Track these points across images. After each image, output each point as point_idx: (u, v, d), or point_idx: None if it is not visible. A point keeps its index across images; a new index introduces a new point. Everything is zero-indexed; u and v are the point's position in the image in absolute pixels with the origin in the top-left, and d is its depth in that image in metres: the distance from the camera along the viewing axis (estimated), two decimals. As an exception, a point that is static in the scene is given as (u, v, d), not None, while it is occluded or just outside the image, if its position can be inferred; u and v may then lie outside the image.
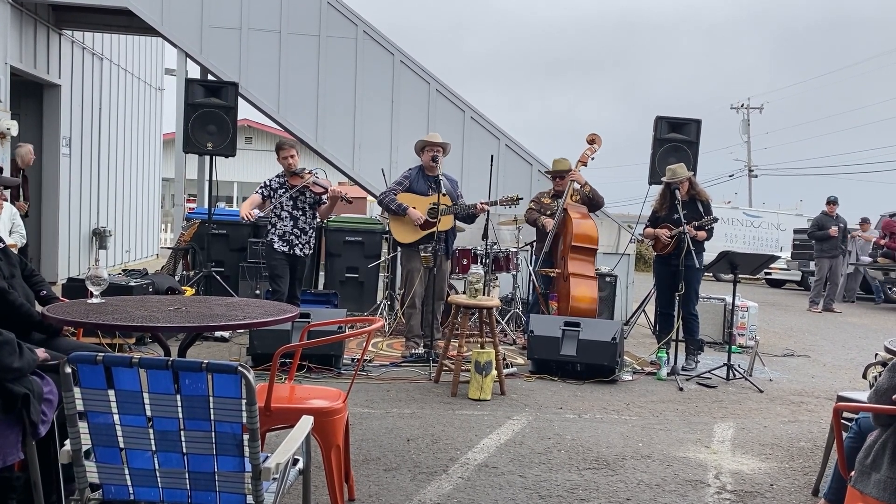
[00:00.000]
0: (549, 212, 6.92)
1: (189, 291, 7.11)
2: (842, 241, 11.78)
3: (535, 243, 7.25)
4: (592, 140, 6.84)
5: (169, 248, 10.52)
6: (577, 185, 6.78)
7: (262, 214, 6.33)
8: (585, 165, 6.81)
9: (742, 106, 31.42)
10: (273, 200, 6.10)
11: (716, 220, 6.34)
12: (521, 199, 6.42)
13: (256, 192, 6.17)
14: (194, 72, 9.70)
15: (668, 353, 6.21)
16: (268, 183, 6.18)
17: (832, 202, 11.92)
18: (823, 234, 11.75)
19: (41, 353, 2.73)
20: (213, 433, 1.97)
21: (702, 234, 6.26)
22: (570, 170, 6.87)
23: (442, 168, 6.26)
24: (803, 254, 13.99)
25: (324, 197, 6.22)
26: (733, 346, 6.85)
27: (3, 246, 3.35)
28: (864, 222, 13.38)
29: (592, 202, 6.85)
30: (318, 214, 6.34)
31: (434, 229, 6.06)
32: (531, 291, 7.17)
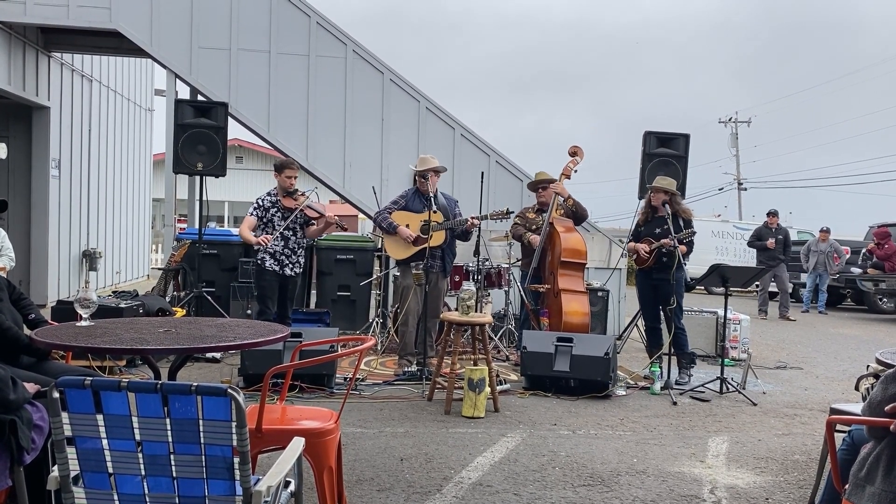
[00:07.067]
0: (534, 226, 6.92)
1: (180, 312, 7.07)
2: (782, 251, 12.18)
3: (521, 260, 7.25)
4: (574, 152, 6.84)
5: (160, 268, 10.46)
6: (560, 199, 6.79)
7: (274, 241, 6.04)
8: (569, 178, 6.80)
9: (730, 120, 31.68)
10: (276, 227, 6.03)
11: (694, 232, 6.36)
12: (512, 212, 6.44)
13: (251, 215, 6.13)
14: (184, 92, 9.70)
15: (661, 367, 6.21)
16: (260, 203, 6.15)
17: (773, 214, 12.43)
18: (761, 244, 12.28)
19: (31, 387, 2.71)
20: (203, 457, 1.95)
21: (682, 248, 6.27)
22: (551, 180, 6.89)
23: (435, 186, 6.28)
24: (793, 265, 14.14)
25: (312, 219, 6.21)
26: (726, 360, 6.87)
27: (-10, 270, 3.33)
28: (823, 231, 13.69)
29: (577, 215, 6.86)
30: (306, 234, 6.31)
31: (426, 245, 6.06)
32: (522, 307, 7.16)
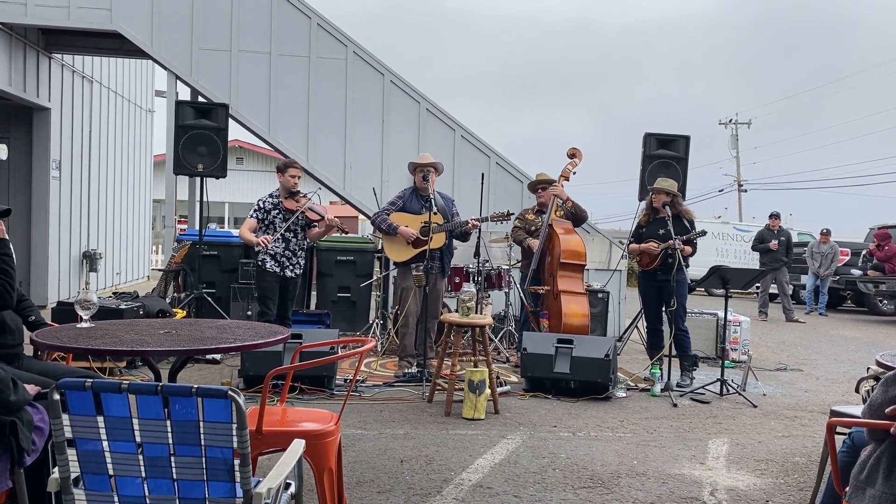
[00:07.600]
0: (533, 228, 6.92)
1: (180, 313, 7.07)
2: (784, 253, 12.28)
3: (521, 262, 7.26)
4: (573, 154, 6.84)
5: (160, 269, 10.47)
6: (559, 201, 6.79)
7: (274, 243, 6.04)
8: (567, 180, 6.79)
9: (730, 121, 31.69)
10: (278, 229, 6.04)
11: (703, 233, 6.36)
12: (512, 214, 6.44)
13: (251, 217, 6.13)
14: (184, 93, 9.71)
15: (661, 369, 6.21)
16: (261, 205, 6.15)
17: (774, 216, 12.55)
18: (764, 247, 12.37)
19: (32, 388, 2.71)
20: (204, 458, 1.95)
21: (687, 248, 6.29)
22: (550, 181, 6.90)
23: (434, 187, 6.28)
24: (795, 267, 14.17)
25: (314, 221, 6.22)
26: (726, 361, 6.86)
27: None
28: (824, 234, 13.80)
29: (576, 217, 6.85)
30: (307, 237, 6.32)
31: (426, 247, 6.06)
32: (522, 309, 7.17)
